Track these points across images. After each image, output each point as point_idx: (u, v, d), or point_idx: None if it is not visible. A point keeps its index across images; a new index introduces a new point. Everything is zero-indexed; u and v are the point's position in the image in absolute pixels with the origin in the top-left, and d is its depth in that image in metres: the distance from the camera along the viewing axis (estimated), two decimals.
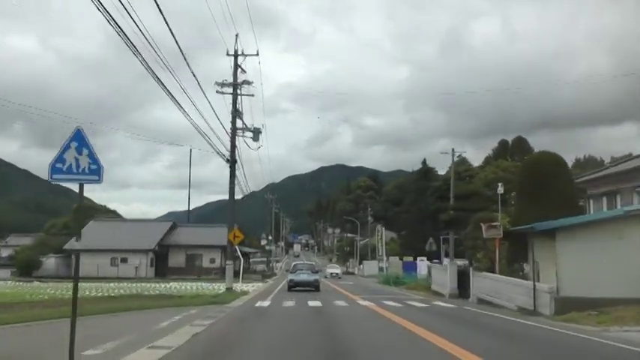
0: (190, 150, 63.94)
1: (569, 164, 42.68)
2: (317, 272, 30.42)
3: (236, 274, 53.78)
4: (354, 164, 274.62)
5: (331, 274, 56.30)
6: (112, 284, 34.05)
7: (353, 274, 72.19)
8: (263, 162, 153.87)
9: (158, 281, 40.98)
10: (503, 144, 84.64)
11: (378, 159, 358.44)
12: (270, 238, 67.99)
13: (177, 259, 51.35)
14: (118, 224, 59.39)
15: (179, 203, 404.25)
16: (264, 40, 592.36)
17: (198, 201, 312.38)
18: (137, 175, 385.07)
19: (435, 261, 42.40)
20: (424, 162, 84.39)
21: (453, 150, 43.49)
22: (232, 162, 27.60)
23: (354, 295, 26.01)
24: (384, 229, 50.14)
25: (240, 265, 32.22)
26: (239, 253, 29.37)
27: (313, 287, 27.82)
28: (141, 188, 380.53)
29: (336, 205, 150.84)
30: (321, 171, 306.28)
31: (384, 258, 50.96)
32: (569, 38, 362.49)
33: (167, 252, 51.59)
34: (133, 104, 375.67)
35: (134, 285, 34.07)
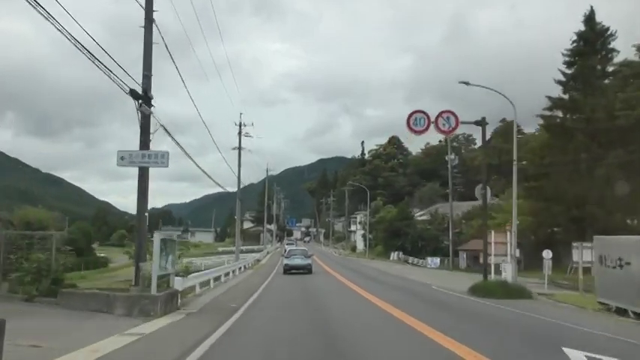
0: None
1: None
2: (309, 257, 32.57)
3: None
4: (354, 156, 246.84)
5: None
6: None
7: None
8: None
9: None
10: None
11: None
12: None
13: None
14: None
15: (177, 196, 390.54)
16: (262, 28, 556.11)
17: (197, 193, 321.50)
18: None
19: None
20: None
21: None
22: None
23: None
24: None
25: None
26: None
27: (306, 270, 30.21)
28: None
29: (346, 181, 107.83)
30: (321, 163, 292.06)
31: None
32: (576, 26, 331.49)
33: None
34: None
35: None
